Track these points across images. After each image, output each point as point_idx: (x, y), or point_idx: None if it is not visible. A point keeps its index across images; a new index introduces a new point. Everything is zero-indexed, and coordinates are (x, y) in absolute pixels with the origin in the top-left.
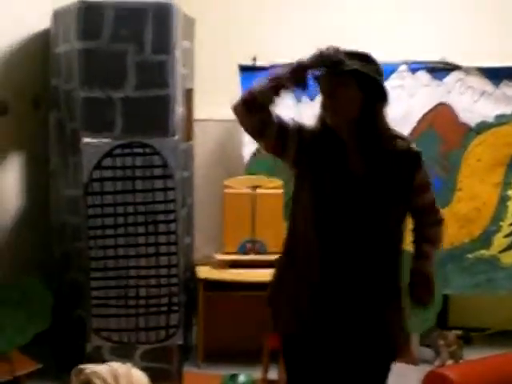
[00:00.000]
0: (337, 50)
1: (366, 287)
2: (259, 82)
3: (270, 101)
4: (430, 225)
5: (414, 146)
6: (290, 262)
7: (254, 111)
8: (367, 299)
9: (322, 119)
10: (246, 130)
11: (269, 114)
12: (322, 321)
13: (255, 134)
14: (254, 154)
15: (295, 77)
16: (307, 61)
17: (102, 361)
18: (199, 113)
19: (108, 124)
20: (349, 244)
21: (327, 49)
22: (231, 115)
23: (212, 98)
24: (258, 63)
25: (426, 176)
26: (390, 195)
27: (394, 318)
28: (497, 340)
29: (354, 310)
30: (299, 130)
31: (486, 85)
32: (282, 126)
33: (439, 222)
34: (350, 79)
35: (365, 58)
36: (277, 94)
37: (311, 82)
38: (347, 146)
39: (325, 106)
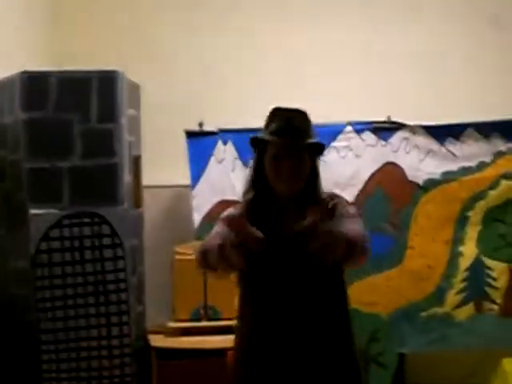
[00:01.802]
0: None
1: (313, 351)
2: (209, 246)
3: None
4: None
5: (335, 199)
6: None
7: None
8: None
9: (258, 185)
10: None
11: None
12: None
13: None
14: (204, 219)
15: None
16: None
17: None
18: (148, 179)
19: (55, 194)
20: (288, 308)
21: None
22: (180, 180)
23: (160, 163)
24: (205, 128)
25: (348, 210)
26: None
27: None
28: None
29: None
30: None
31: (431, 143)
32: None
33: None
34: (305, 148)
35: (306, 117)
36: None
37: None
38: (284, 209)
39: (281, 176)
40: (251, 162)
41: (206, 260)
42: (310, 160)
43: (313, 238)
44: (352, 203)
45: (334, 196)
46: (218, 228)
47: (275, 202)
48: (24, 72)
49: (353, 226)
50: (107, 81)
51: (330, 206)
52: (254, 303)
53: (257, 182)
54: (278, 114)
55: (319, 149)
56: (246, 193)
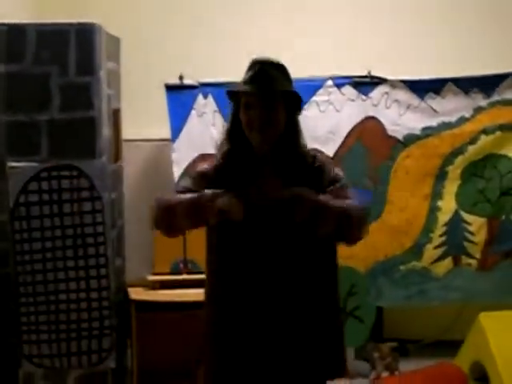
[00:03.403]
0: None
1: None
2: (177, 202)
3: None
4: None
5: (319, 157)
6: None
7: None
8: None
9: (234, 138)
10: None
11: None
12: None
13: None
14: (184, 173)
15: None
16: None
17: None
18: (128, 133)
19: (33, 147)
20: (264, 277)
21: (255, 193)
22: (160, 134)
23: (140, 117)
24: (185, 82)
25: (338, 173)
26: None
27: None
28: (432, 350)
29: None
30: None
31: (411, 98)
32: None
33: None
34: (278, 97)
35: (284, 70)
36: (196, 226)
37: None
38: (265, 168)
39: (253, 125)
40: (228, 115)
41: (170, 215)
42: (287, 113)
43: (299, 208)
44: (332, 158)
45: (317, 155)
46: (186, 183)
47: (252, 157)
48: (1, 24)
49: (348, 195)
50: (85, 33)
51: (316, 165)
52: (229, 268)
53: (233, 135)
54: (252, 65)
55: (296, 101)
56: (221, 145)
